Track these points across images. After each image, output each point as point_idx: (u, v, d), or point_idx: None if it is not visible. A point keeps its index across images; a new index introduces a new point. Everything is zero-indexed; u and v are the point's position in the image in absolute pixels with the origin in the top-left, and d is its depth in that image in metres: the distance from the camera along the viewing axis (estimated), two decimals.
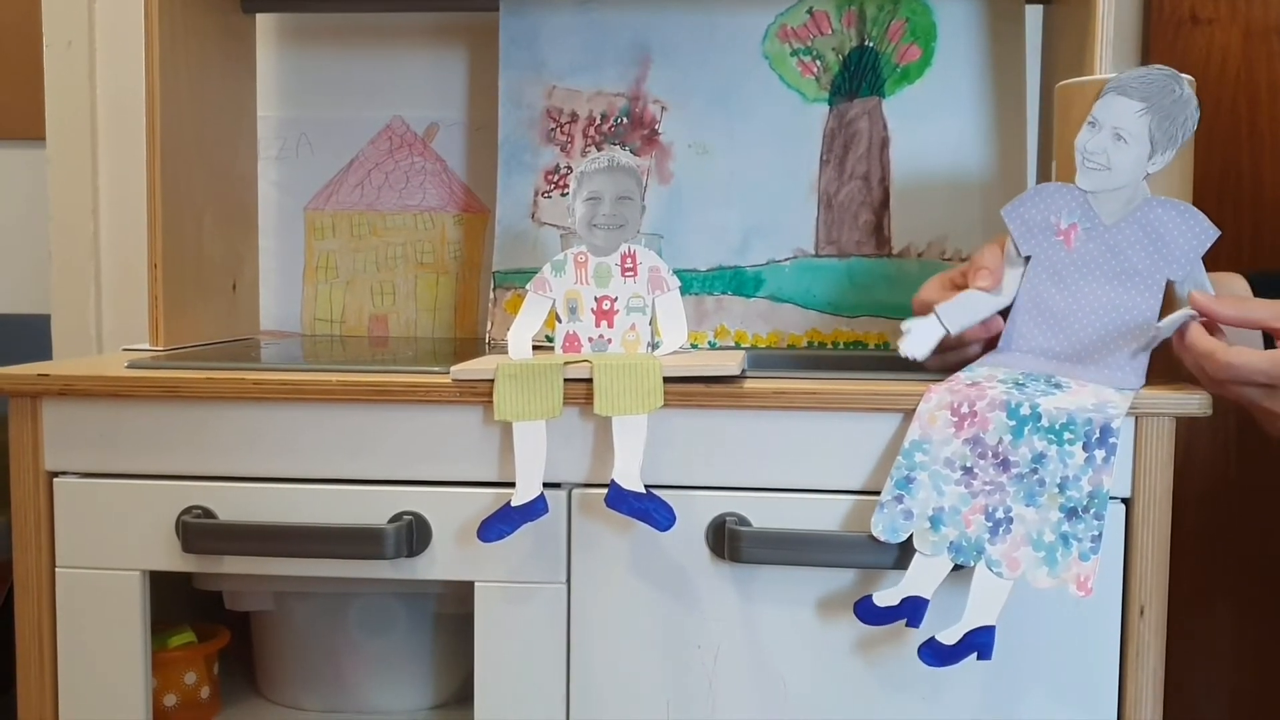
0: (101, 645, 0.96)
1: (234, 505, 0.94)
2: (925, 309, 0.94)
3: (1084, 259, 0.92)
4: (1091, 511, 0.82)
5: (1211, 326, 0.87)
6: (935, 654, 0.83)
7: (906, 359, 0.92)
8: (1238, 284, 0.96)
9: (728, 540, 0.89)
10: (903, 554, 0.85)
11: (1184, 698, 1.37)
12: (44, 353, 1.48)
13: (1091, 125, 0.91)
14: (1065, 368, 0.91)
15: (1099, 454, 0.83)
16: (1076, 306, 0.92)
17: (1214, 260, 0.91)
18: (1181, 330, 0.87)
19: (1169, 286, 0.90)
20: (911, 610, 0.84)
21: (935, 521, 0.85)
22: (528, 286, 0.99)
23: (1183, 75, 0.89)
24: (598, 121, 1.28)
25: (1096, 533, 0.82)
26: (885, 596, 0.85)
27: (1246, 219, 1.33)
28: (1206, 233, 0.89)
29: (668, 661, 0.92)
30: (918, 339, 0.91)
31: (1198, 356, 0.86)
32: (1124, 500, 0.88)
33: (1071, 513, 0.83)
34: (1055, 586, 0.81)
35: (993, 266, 0.93)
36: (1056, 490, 0.83)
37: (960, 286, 0.96)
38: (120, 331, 1.48)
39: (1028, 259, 0.93)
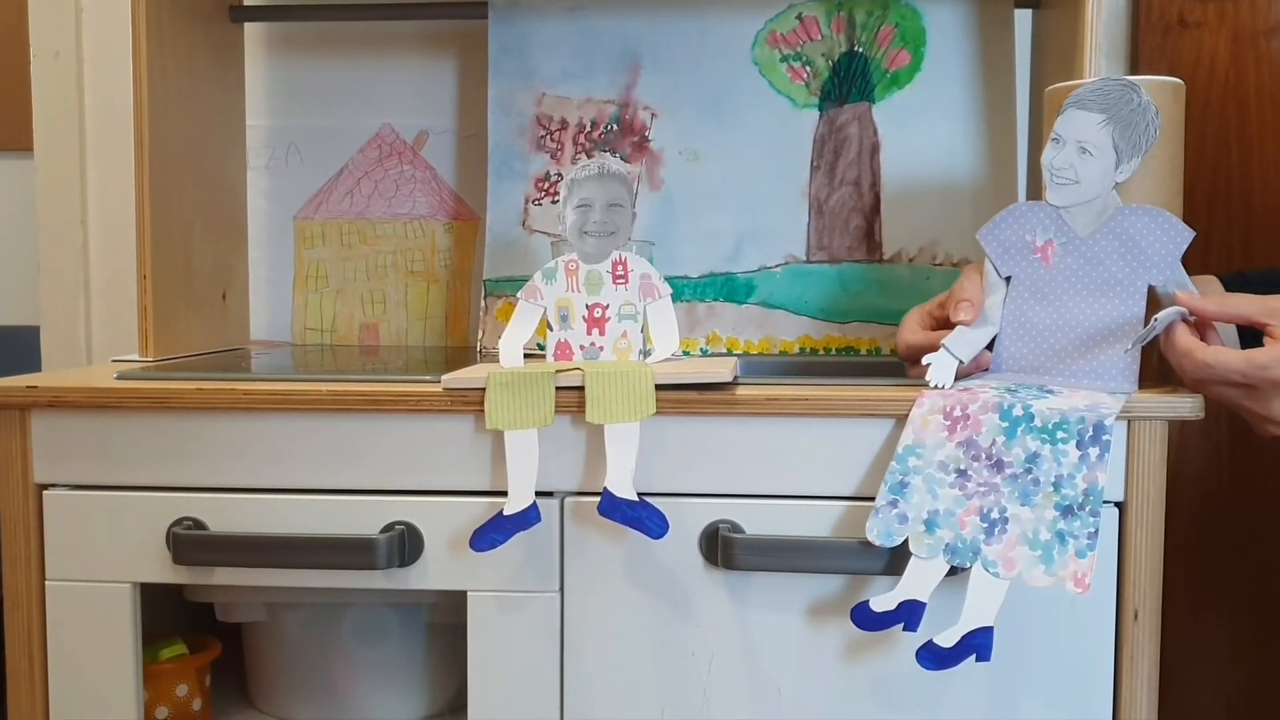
0: (92, 658, 0.95)
1: (225, 516, 0.94)
2: (911, 352, 0.94)
3: (1063, 273, 0.92)
4: (1087, 509, 0.82)
5: (1203, 329, 0.87)
6: (933, 657, 0.83)
7: (898, 364, 0.93)
8: (1212, 286, 0.96)
9: (721, 547, 0.89)
10: (897, 559, 0.85)
11: (1179, 699, 1.37)
12: (33, 364, 1.48)
13: (1056, 141, 0.91)
14: (1056, 380, 0.91)
15: (1093, 451, 0.83)
16: (1061, 321, 0.92)
17: (1204, 263, 0.91)
18: (1168, 329, 0.87)
19: (1151, 292, 0.90)
20: (908, 614, 0.84)
21: (930, 524, 0.84)
22: (519, 294, 0.98)
23: (1138, 83, 0.90)
24: (588, 128, 1.28)
25: (1093, 530, 0.82)
26: (882, 601, 0.84)
27: (1237, 222, 1.33)
28: (1181, 235, 0.89)
29: (662, 669, 0.92)
30: (938, 371, 0.90)
31: (1178, 354, 0.86)
32: (1117, 504, 0.88)
33: (1067, 510, 0.82)
34: (1052, 584, 0.81)
35: (973, 298, 0.93)
36: (1051, 489, 0.83)
37: (938, 319, 0.96)
38: (110, 342, 1.48)
39: (1009, 279, 0.94)
